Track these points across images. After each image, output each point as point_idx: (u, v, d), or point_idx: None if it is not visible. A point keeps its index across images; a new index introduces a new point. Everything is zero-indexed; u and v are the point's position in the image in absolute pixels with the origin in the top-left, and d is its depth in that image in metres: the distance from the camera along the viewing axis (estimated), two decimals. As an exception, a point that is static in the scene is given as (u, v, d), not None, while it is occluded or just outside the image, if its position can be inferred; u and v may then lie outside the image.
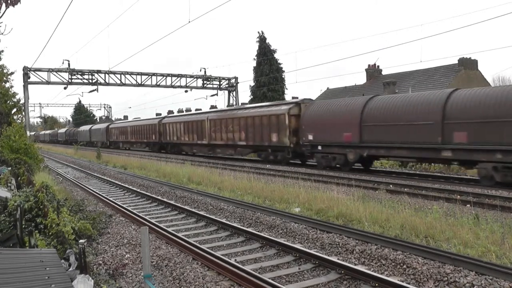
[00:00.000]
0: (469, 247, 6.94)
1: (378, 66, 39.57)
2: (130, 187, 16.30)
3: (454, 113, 14.17)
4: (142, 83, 39.51)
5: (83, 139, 64.42)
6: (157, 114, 61.02)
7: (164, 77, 40.23)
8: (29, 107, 37.11)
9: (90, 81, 37.62)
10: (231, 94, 43.49)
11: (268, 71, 42.47)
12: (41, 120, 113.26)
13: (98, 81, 37.76)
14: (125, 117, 76.06)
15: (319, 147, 20.01)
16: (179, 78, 40.80)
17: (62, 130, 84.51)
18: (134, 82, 39.35)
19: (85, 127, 67.73)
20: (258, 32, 45.07)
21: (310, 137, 20.38)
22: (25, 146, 17.57)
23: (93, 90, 38.75)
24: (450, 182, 14.65)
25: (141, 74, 39.42)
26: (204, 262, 6.87)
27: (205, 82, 42.17)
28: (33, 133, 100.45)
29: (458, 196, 11.34)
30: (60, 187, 15.60)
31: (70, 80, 36.81)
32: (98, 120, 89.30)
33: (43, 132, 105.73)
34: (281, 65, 43.82)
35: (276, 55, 43.45)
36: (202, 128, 30.35)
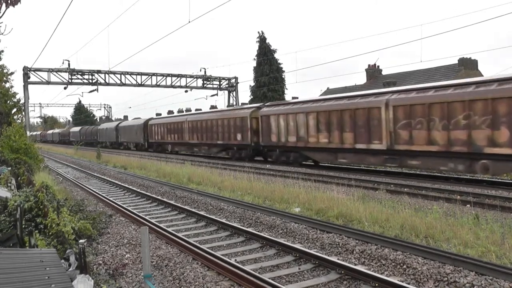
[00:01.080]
0: (469, 247, 6.94)
1: (378, 66, 39.61)
2: (130, 187, 16.30)
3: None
4: (142, 83, 39.51)
5: (107, 139, 52.63)
6: (157, 114, 59.79)
7: (164, 77, 40.22)
8: (29, 107, 37.12)
9: (90, 81, 37.62)
10: (231, 94, 43.49)
11: (268, 71, 42.49)
12: (41, 120, 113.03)
13: (98, 81, 37.76)
14: (125, 117, 75.67)
15: None
16: (179, 78, 40.80)
17: (76, 129, 70.67)
18: (134, 82, 39.35)
19: (110, 125, 55.63)
20: (258, 32, 45.11)
21: None
22: (25, 146, 17.59)
23: (93, 90, 38.77)
24: (450, 182, 14.65)
25: (141, 74, 39.42)
26: (204, 262, 6.87)
27: (205, 82, 42.17)
28: (38, 132, 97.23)
29: (458, 196, 11.34)
30: (60, 187, 15.60)
31: (70, 80, 36.81)
32: (98, 120, 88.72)
33: (51, 131, 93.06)
34: (281, 65, 43.92)
35: (276, 55, 43.53)
36: (372, 120, 17.24)
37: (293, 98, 43.17)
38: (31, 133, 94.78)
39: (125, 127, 47.39)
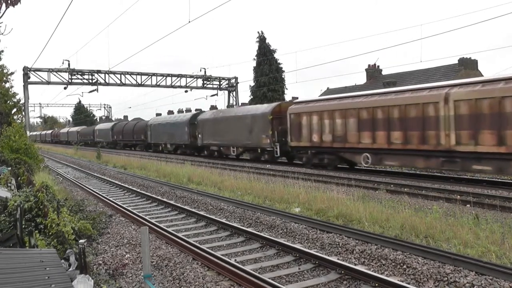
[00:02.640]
0: (469, 247, 6.95)
1: (378, 66, 39.56)
2: (130, 187, 16.30)
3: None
4: (142, 83, 39.49)
5: (168, 140, 35.08)
6: (157, 114, 59.36)
7: (164, 77, 40.20)
8: (29, 107, 37.06)
9: (90, 81, 37.60)
10: (231, 94, 43.47)
11: (268, 71, 42.46)
12: (41, 120, 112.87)
13: (98, 81, 37.74)
14: (125, 117, 75.53)
15: None
16: (179, 78, 40.78)
17: (105, 126, 53.09)
18: (134, 82, 39.33)
19: (174, 118, 36.06)
20: (258, 32, 45.04)
21: None
22: (25, 146, 17.60)
23: (93, 90, 38.74)
24: (450, 182, 14.65)
25: (141, 74, 39.40)
26: (204, 262, 6.87)
27: (205, 82, 42.15)
28: (48, 131, 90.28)
29: (458, 196, 11.34)
30: (60, 187, 15.60)
31: (70, 80, 36.80)
32: (98, 120, 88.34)
33: (66, 129, 74.78)
34: (281, 65, 43.84)
35: (276, 55, 43.46)
36: None
37: (293, 98, 43.09)
38: (39, 133, 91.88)
39: (216, 121, 28.32)
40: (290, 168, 20.17)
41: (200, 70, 41.68)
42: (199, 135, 30.32)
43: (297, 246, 7.66)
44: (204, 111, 35.51)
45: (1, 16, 8.17)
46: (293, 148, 21.89)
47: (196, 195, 13.45)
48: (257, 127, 23.98)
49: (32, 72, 35.29)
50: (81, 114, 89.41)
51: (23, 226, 6.12)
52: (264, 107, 24.66)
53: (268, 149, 23.45)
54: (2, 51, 21.51)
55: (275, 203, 11.61)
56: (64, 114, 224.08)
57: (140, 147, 41.87)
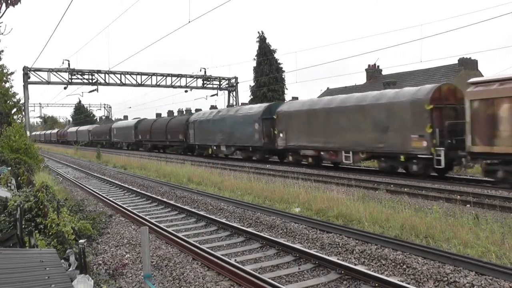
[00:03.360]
0: (469, 247, 6.95)
1: (378, 66, 39.52)
2: (130, 187, 16.30)
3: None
4: (142, 83, 39.49)
5: (224, 141, 26.69)
6: (157, 115, 59.40)
7: (164, 77, 40.20)
8: (29, 107, 37.06)
9: (90, 81, 37.60)
10: (231, 94, 43.45)
11: (268, 71, 42.46)
12: (41, 120, 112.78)
13: (98, 81, 37.74)
14: (125, 117, 75.47)
15: None
16: (179, 78, 40.78)
17: (127, 123, 44.10)
18: (134, 82, 39.33)
19: (239, 111, 26.24)
20: (258, 32, 45.05)
21: None
22: (25, 146, 17.60)
23: (93, 90, 38.74)
24: (450, 182, 14.64)
25: (141, 74, 39.39)
26: (204, 262, 6.87)
27: (205, 82, 42.14)
28: (54, 131, 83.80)
29: (458, 196, 11.35)
30: (60, 187, 15.60)
31: (70, 80, 36.80)
32: (98, 120, 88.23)
33: (74, 129, 64.95)
34: (281, 65, 43.85)
35: (276, 55, 43.47)
36: None
37: (293, 98, 43.10)
38: (43, 132, 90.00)
39: (314, 113, 20.17)
40: (290, 168, 20.15)
41: (200, 70, 41.70)
42: (280, 134, 21.92)
43: (297, 246, 7.66)
44: (286, 102, 25.56)
45: (1, 16, 8.18)
46: (477, 156, 13.65)
47: (196, 195, 13.45)
48: (400, 122, 15.92)
49: (32, 72, 35.29)
50: (81, 114, 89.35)
51: (23, 226, 6.12)
52: (412, 92, 15.99)
53: (421, 155, 15.20)
54: (2, 51, 21.50)
55: (275, 203, 11.61)
56: (64, 114, 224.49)
57: (176, 150, 33.09)
